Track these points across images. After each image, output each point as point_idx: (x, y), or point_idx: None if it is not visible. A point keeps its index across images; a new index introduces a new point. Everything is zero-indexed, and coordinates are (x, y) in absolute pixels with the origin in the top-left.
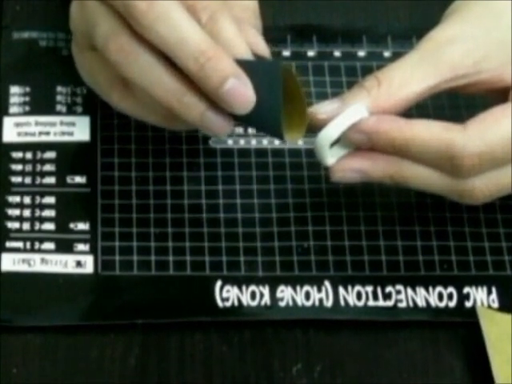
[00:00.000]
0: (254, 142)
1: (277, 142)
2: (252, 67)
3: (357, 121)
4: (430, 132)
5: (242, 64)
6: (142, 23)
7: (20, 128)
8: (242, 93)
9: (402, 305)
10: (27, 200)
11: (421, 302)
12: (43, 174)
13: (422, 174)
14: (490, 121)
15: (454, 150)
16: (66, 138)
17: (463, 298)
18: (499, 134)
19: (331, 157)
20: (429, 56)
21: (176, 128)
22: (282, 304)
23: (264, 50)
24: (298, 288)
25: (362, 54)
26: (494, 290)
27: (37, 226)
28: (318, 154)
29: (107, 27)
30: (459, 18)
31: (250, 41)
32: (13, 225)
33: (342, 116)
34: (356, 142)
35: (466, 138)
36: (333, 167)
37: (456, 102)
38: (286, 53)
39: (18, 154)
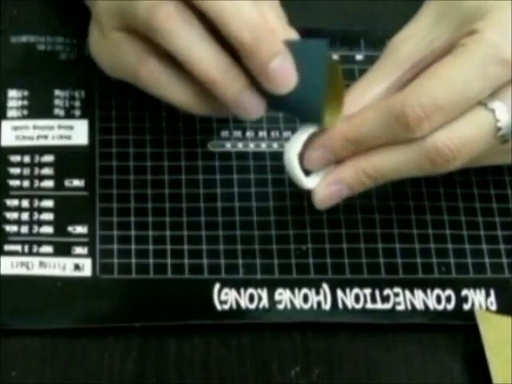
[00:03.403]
0: (252, 146)
1: (275, 145)
2: (296, 47)
3: (315, 130)
4: (373, 108)
5: (287, 44)
6: None
7: (18, 132)
8: (286, 72)
9: (400, 307)
10: (25, 203)
11: (419, 305)
12: (41, 178)
13: (388, 155)
14: (427, 75)
15: (395, 110)
16: (64, 142)
17: (461, 300)
18: (437, 83)
19: (309, 181)
20: (387, 57)
21: (203, 111)
22: (280, 307)
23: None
24: (296, 291)
25: (359, 57)
26: (492, 292)
27: (35, 229)
28: (292, 175)
29: None
30: (413, 20)
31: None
32: (11, 228)
33: (300, 129)
34: (321, 160)
35: (403, 95)
36: (312, 192)
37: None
38: None
39: (16, 158)
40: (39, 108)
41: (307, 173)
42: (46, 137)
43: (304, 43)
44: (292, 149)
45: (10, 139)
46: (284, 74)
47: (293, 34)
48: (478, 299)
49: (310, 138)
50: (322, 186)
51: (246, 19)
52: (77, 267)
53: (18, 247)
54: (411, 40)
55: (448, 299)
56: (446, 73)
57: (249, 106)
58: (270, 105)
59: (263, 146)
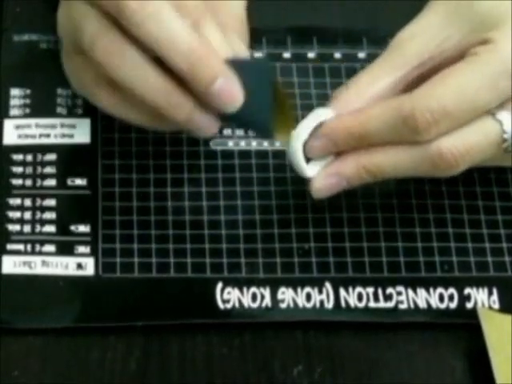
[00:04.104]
0: (254, 144)
1: (277, 144)
2: (241, 66)
3: (323, 120)
4: (381, 106)
5: (231, 63)
6: (133, 21)
7: (20, 130)
8: (231, 92)
9: (403, 306)
10: (28, 202)
11: (422, 304)
12: (44, 177)
13: (390, 153)
14: (437, 80)
15: (404, 112)
16: (67, 140)
17: (464, 299)
18: (447, 89)
19: (309, 169)
20: (394, 52)
21: (163, 129)
22: (283, 306)
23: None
24: (299, 290)
25: (362, 55)
26: (494, 291)
27: (37, 228)
28: (294, 162)
29: (94, 27)
30: (420, 16)
31: (232, 48)
32: (13, 227)
33: (308, 117)
34: (321, 149)
35: (413, 98)
36: (311, 181)
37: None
38: (287, 54)
39: (18, 157)
40: (42, 106)
41: (307, 160)
42: (48, 135)
43: (247, 63)
44: (299, 136)
45: (12, 138)
46: (228, 94)
47: (242, 50)
48: (480, 298)
49: (317, 127)
50: (322, 176)
51: (181, 47)
52: (79, 266)
53: (20, 246)
54: (419, 37)
55: (451, 298)
56: (457, 80)
57: (200, 126)
58: (223, 120)
59: (265, 144)
